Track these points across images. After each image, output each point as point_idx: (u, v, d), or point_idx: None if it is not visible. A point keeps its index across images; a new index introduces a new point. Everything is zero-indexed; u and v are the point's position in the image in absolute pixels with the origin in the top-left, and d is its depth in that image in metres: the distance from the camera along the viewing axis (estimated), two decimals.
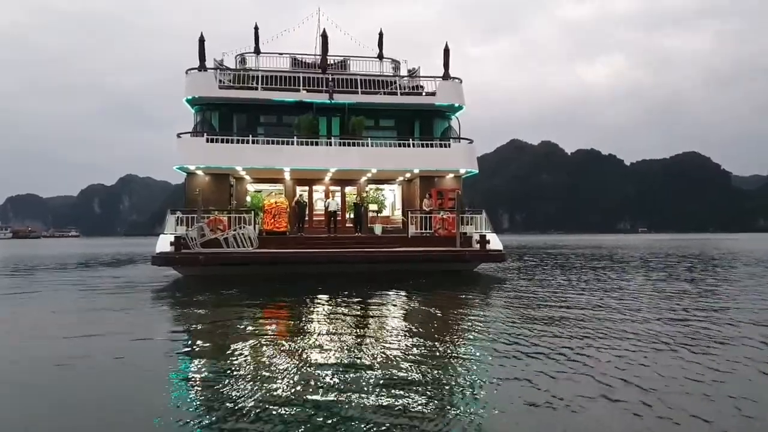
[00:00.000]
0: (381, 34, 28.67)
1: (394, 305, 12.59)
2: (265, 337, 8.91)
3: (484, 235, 20.00)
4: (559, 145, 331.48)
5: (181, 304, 13.14)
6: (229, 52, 26.31)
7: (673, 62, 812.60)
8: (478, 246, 19.95)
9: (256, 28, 28.09)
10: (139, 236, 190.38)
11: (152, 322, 10.75)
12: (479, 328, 9.42)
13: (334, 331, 9.27)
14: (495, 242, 20.21)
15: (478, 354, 7.49)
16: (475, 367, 6.80)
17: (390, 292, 14.69)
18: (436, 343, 8.13)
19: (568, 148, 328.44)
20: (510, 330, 9.14)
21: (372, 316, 10.92)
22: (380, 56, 28.13)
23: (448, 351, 7.69)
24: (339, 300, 13.21)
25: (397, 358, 7.17)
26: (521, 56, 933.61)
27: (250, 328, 9.78)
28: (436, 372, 6.51)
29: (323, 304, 12.68)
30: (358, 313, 11.39)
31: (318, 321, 10.41)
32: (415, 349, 7.80)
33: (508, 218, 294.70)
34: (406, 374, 6.42)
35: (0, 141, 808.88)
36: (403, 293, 14.50)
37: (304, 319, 10.71)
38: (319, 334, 8.96)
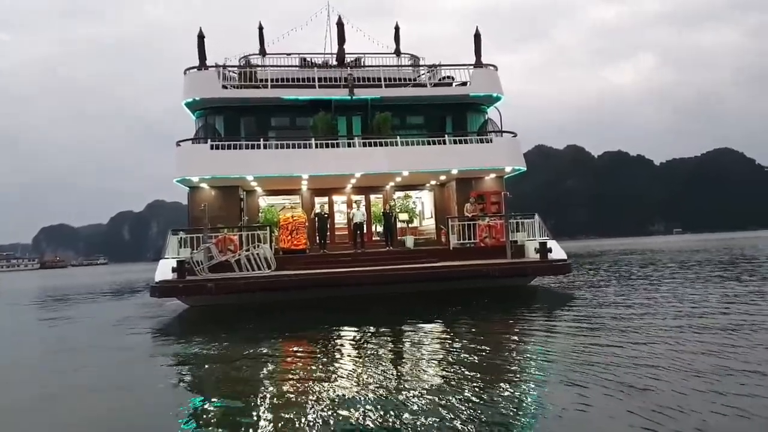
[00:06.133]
0: (397, 28, 25.29)
1: (446, 343, 9.30)
2: (291, 399, 6.05)
3: (545, 243, 16.40)
4: (585, 148, 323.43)
5: (185, 353, 9.73)
6: (231, 57, 23.35)
7: (703, 59, 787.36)
8: (537, 256, 16.39)
9: (260, 28, 25.09)
10: None
11: (150, 376, 7.97)
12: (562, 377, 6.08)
13: (373, 380, 6.58)
14: (557, 251, 16.61)
15: None
16: None
17: (438, 321, 11.41)
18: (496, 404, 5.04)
19: (595, 151, 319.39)
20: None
21: (422, 362, 7.68)
22: (397, 52, 24.79)
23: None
24: (377, 335, 10.02)
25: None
26: (544, 63, 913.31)
27: (271, 382, 7.10)
28: None
29: (361, 342, 9.53)
30: (407, 357, 8.22)
31: (359, 369, 7.34)
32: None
33: None
34: None
35: (31, 173, 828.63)
36: (456, 322, 11.21)
37: (338, 365, 7.81)
38: (359, 387, 6.49)
